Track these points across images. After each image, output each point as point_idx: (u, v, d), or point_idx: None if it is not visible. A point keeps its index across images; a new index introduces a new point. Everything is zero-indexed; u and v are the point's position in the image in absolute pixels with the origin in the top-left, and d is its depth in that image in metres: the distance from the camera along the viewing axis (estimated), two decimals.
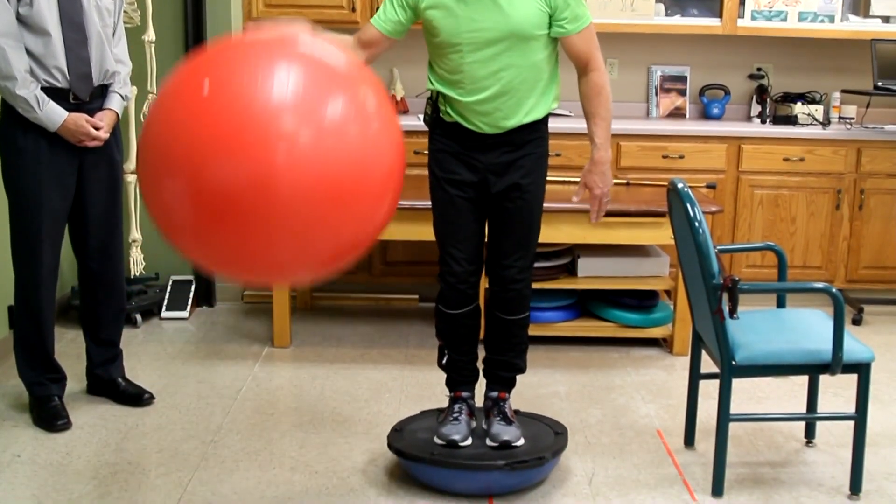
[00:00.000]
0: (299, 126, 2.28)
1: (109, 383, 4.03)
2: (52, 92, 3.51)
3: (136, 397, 4.00)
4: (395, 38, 3.25)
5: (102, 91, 3.70)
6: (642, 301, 4.81)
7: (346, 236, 2.46)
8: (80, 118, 3.56)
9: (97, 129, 3.62)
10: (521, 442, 3.29)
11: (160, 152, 2.34)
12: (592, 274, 4.75)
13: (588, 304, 4.90)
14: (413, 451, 3.27)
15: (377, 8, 5.28)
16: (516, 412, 3.46)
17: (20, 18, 3.42)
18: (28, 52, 3.45)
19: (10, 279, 4.31)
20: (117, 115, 3.76)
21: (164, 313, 5.16)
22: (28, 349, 3.78)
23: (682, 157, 5.34)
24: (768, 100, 5.74)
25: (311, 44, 2.53)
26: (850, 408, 3.34)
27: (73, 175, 3.66)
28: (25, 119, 3.50)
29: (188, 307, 5.19)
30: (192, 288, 5.29)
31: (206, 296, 5.40)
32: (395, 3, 3.19)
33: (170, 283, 5.31)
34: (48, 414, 3.75)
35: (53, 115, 3.50)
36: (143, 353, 4.45)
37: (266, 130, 2.25)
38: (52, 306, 3.79)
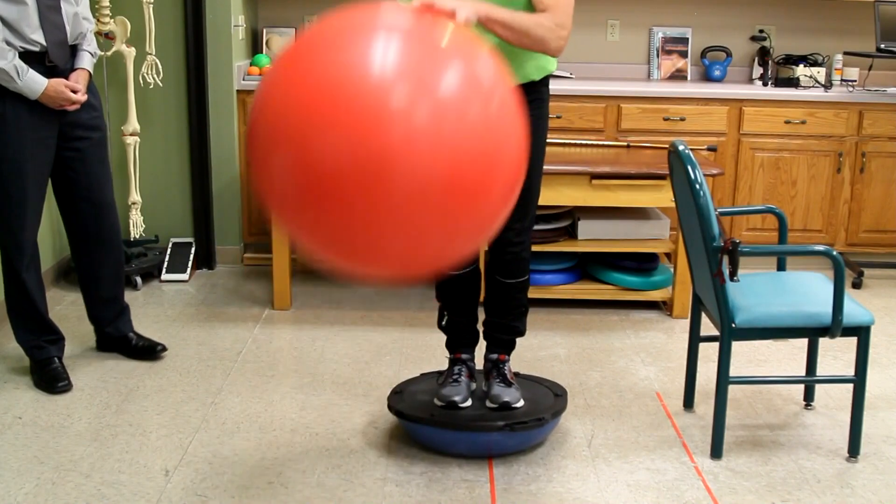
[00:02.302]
0: (416, 102, 2.08)
1: (121, 339, 4.07)
2: (27, 57, 3.46)
3: (150, 350, 4.06)
4: None
5: (72, 51, 3.66)
6: (642, 264, 4.81)
7: (461, 231, 2.26)
8: (60, 84, 3.54)
9: (75, 91, 3.60)
10: (521, 403, 3.30)
11: (269, 124, 2.18)
12: (592, 237, 4.74)
13: (588, 266, 4.90)
14: (413, 413, 3.28)
15: None
16: (516, 374, 3.47)
17: None
18: (2, 21, 3.40)
19: None
20: (90, 74, 3.72)
21: (164, 276, 5.16)
22: (21, 314, 3.79)
23: (682, 119, 5.32)
24: (770, 62, 5.71)
25: (416, 17, 2.34)
26: (850, 371, 3.35)
27: (54, 138, 3.64)
28: (2, 87, 3.46)
29: (188, 270, 5.19)
30: (192, 250, 5.28)
31: (206, 258, 5.40)
32: None
33: (170, 245, 5.31)
34: (48, 376, 3.76)
35: (34, 84, 3.47)
36: (144, 315, 4.45)
37: (379, 105, 2.06)
38: (37, 269, 3.78)
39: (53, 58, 3.53)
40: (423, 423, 3.25)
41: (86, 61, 3.70)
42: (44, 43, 3.49)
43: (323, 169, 2.07)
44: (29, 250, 3.70)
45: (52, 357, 3.82)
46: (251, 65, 5.46)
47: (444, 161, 2.09)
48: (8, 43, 3.42)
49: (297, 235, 2.32)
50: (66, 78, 3.60)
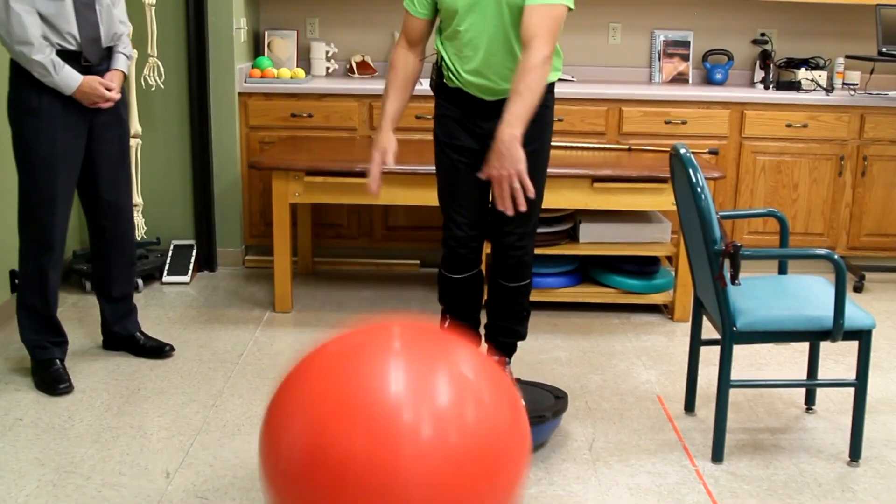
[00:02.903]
0: (420, 421, 2.09)
1: (128, 339, 4.11)
2: (62, 55, 3.55)
3: (158, 350, 4.10)
4: (434, 19, 3.31)
5: (108, 52, 3.74)
6: (643, 267, 4.81)
7: None
8: (94, 81, 3.61)
9: (109, 90, 3.67)
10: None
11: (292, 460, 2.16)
12: (594, 240, 4.74)
13: (589, 269, 4.90)
14: None
15: None
16: (517, 380, 3.47)
17: None
18: (41, 17, 3.48)
19: (6, 244, 4.33)
20: (124, 75, 3.82)
21: (166, 278, 5.16)
22: (33, 312, 3.80)
23: (684, 122, 5.32)
24: (772, 65, 5.71)
25: (408, 334, 2.40)
26: (851, 375, 3.35)
27: (85, 136, 3.72)
28: (39, 81, 3.54)
29: (189, 272, 5.19)
30: (194, 253, 5.28)
31: (207, 261, 5.40)
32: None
33: (171, 247, 5.31)
34: (50, 378, 3.76)
35: (69, 79, 3.55)
36: (145, 317, 4.44)
37: (389, 429, 2.07)
38: (59, 268, 3.83)
39: (86, 54, 3.60)
40: None
41: (121, 63, 3.79)
42: (78, 38, 3.55)
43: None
44: (57, 247, 3.75)
45: (55, 359, 3.82)
46: (253, 67, 5.46)
47: (449, 469, 2.09)
48: (46, 39, 3.50)
49: None
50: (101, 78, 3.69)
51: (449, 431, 2.10)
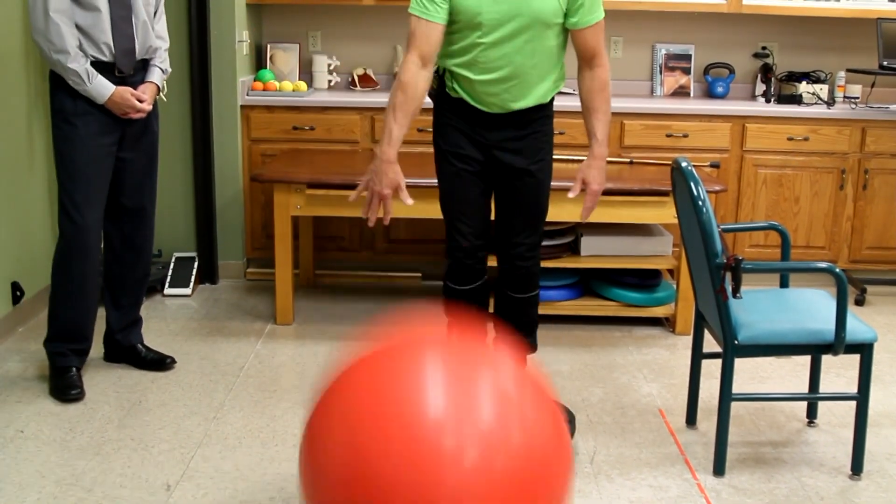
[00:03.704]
0: (462, 440, 2.05)
1: (129, 349, 4.13)
2: (98, 66, 3.64)
3: (159, 362, 4.11)
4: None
5: (144, 65, 3.83)
6: (645, 280, 4.81)
7: None
8: (126, 91, 3.70)
9: (140, 101, 3.75)
10: None
11: (328, 463, 2.16)
12: (595, 253, 4.74)
13: (591, 282, 4.90)
14: None
15: None
16: None
17: None
18: (77, 27, 3.58)
19: (9, 256, 4.34)
20: (158, 88, 3.89)
21: (167, 290, 5.17)
22: (63, 319, 3.85)
23: (685, 135, 5.33)
24: (773, 79, 5.72)
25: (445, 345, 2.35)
26: (852, 388, 3.34)
27: (116, 144, 3.79)
28: (74, 90, 3.63)
29: (191, 284, 5.19)
30: (195, 265, 5.29)
31: (209, 273, 5.40)
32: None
33: (173, 259, 5.32)
34: (63, 384, 3.81)
35: (102, 88, 3.64)
36: (146, 329, 4.44)
37: (432, 453, 2.03)
38: (97, 273, 3.88)
39: (120, 65, 3.68)
40: None
41: (156, 76, 3.87)
42: (113, 49, 3.64)
43: None
44: (93, 252, 3.81)
45: (72, 367, 3.87)
46: (255, 80, 5.47)
47: (494, 493, 2.05)
48: (81, 49, 3.59)
49: None
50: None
51: (493, 455, 2.05)
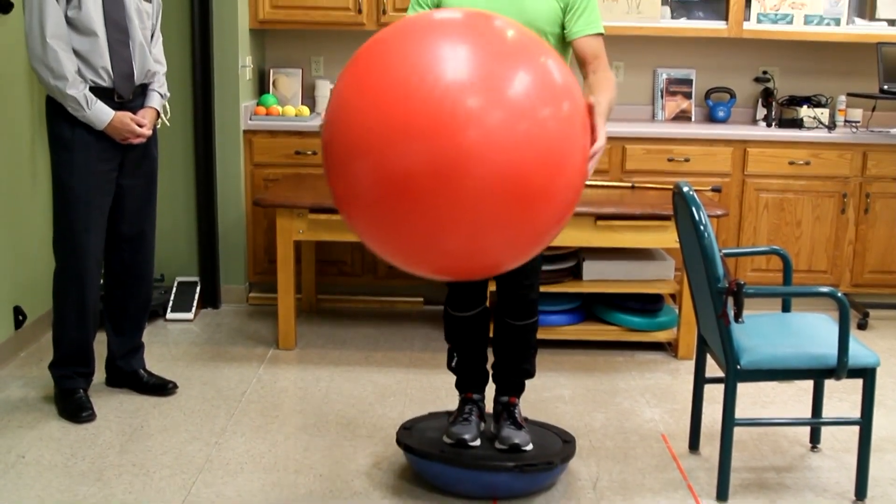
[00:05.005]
0: (488, 106, 2.23)
1: (131, 375, 4.12)
2: (97, 91, 3.65)
3: (161, 387, 4.11)
4: None
5: (143, 90, 3.84)
6: (647, 305, 4.81)
7: (523, 234, 2.41)
8: (126, 116, 3.71)
9: (140, 126, 3.76)
10: (530, 447, 3.28)
11: (349, 133, 2.33)
12: (597, 277, 4.74)
13: (593, 307, 4.89)
14: (422, 448, 3.27)
15: (384, 11, 5.34)
16: (525, 419, 3.46)
17: (68, 20, 3.57)
18: (75, 53, 3.59)
19: (11, 280, 4.34)
20: (158, 113, 3.90)
21: (170, 315, 5.17)
22: (67, 342, 3.86)
23: (687, 160, 5.34)
24: (774, 103, 5.73)
25: (487, 20, 2.50)
26: (856, 412, 3.33)
27: (116, 170, 3.80)
28: (72, 116, 3.63)
29: (193, 309, 5.19)
30: (198, 289, 5.29)
31: (211, 297, 5.40)
32: (423, 2, 3.18)
33: (175, 284, 5.32)
34: (73, 406, 3.82)
35: (101, 113, 3.64)
36: (148, 354, 4.44)
37: (454, 110, 2.20)
38: (97, 298, 3.89)
39: (119, 90, 3.69)
40: (432, 460, 3.24)
41: (155, 101, 3.88)
42: (111, 74, 3.65)
43: (402, 173, 2.23)
44: (92, 277, 3.81)
45: (78, 388, 3.88)
46: (258, 104, 5.49)
47: (514, 162, 2.23)
48: (80, 74, 3.60)
49: (369, 233, 2.46)
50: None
51: (518, 120, 2.24)
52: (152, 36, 3.89)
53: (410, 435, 3.37)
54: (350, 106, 2.35)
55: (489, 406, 3.48)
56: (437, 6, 3.17)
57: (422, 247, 2.39)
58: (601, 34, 3.19)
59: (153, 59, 3.86)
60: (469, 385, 3.46)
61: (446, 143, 2.19)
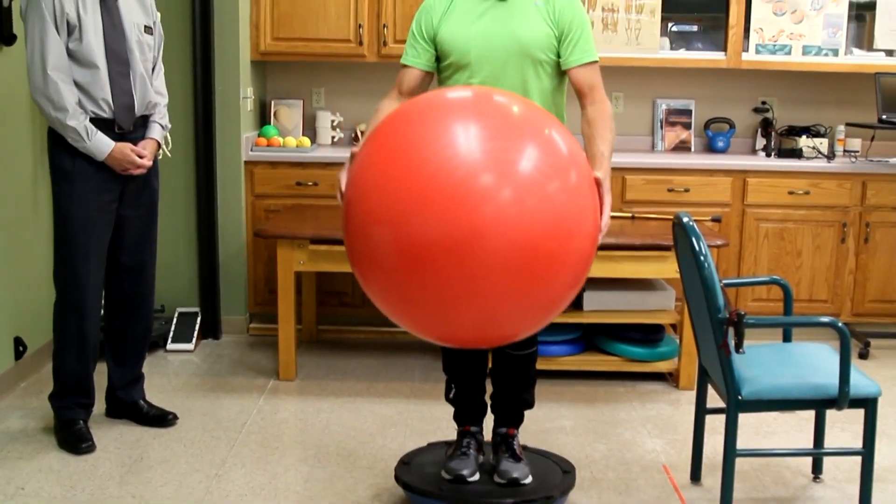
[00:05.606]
0: (500, 183, 2.35)
1: (131, 406, 4.11)
2: (97, 123, 3.67)
3: (161, 419, 4.10)
4: (433, 72, 3.29)
5: (144, 121, 3.85)
6: (648, 335, 4.80)
7: (535, 303, 2.50)
8: (126, 147, 3.72)
9: (141, 157, 3.77)
10: (529, 479, 3.27)
11: (369, 202, 2.45)
12: (598, 308, 4.74)
13: (594, 337, 4.89)
14: (421, 485, 3.26)
15: (384, 43, 5.37)
16: (524, 448, 3.45)
17: (70, 52, 3.59)
18: (76, 85, 3.61)
19: (12, 310, 4.34)
20: (158, 144, 3.92)
21: (170, 345, 5.16)
22: (66, 373, 3.85)
23: (687, 190, 5.35)
24: (773, 133, 5.76)
25: (492, 97, 2.64)
26: (858, 443, 3.32)
27: (116, 201, 3.81)
28: (73, 147, 3.65)
29: (194, 339, 5.19)
30: (198, 320, 5.29)
31: (211, 328, 5.40)
32: (418, 37, 3.23)
33: (175, 315, 5.32)
34: (73, 437, 3.81)
35: (101, 144, 3.66)
36: (148, 385, 4.43)
37: (469, 188, 2.33)
38: (97, 329, 3.88)
39: (119, 121, 3.71)
40: (431, 497, 3.23)
41: (156, 132, 3.90)
42: (112, 105, 3.67)
43: (419, 243, 2.35)
44: (92, 307, 3.81)
45: (78, 419, 3.87)
46: (259, 135, 5.51)
47: (526, 235, 2.34)
48: (81, 106, 3.62)
49: (382, 297, 2.57)
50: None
51: (526, 195, 2.35)
52: (154, 68, 3.91)
53: (409, 470, 3.36)
54: (376, 170, 2.47)
55: (488, 434, 3.47)
56: (433, 41, 3.20)
57: (435, 316, 2.49)
58: (596, 61, 3.21)
59: (155, 90, 3.88)
60: (467, 417, 3.45)
61: (462, 218, 2.31)
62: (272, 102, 5.79)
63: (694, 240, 3.15)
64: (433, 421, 4.19)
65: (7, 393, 4.36)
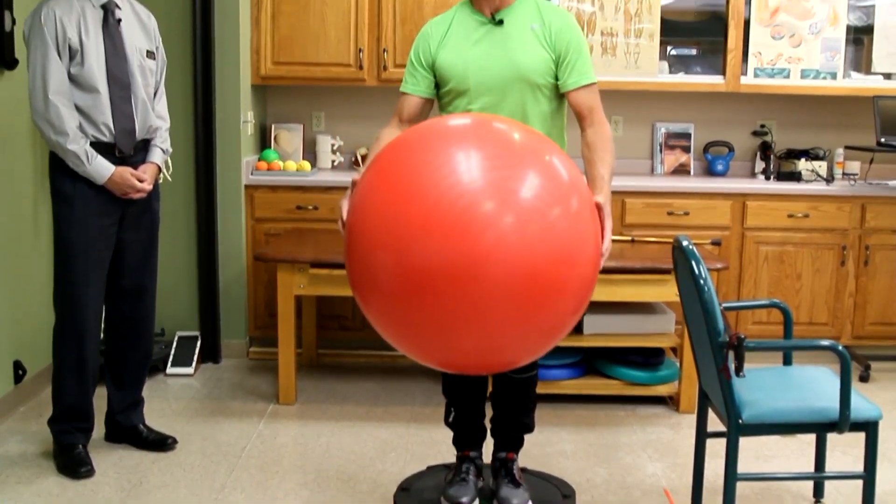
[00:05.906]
0: (502, 212, 2.37)
1: (130, 430, 4.11)
2: (98, 147, 3.68)
3: (160, 443, 4.09)
4: (433, 98, 3.31)
5: (144, 145, 3.86)
6: (648, 358, 4.79)
7: (537, 329, 2.52)
8: (126, 171, 3.73)
9: (141, 181, 3.78)
10: None
11: (371, 229, 2.48)
12: (598, 331, 4.73)
13: (594, 361, 4.88)
14: None
15: (384, 67, 5.39)
16: (523, 470, 3.44)
17: (71, 76, 3.61)
18: (77, 109, 3.63)
19: (11, 334, 4.34)
20: (159, 168, 3.93)
21: (170, 369, 5.15)
22: (66, 398, 3.85)
23: (686, 213, 5.36)
24: (772, 156, 5.77)
25: (496, 124, 2.67)
26: (859, 466, 3.32)
27: (116, 224, 3.82)
28: (73, 171, 3.66)
29: (193, 363, 5.18)
30: (198, 344, 5.28)
31: (211, 352, 5.39)
32: (417, 65, 3.25)
33: (175, 338, 5.31)
34: (72, 462, 3.80)
35: (101, 168, 3.67)
36: (148, 409, 4.43)
37: (471, 215, 2.36)
38: (96, 353, 3.88)
39: (120, 145, 3.72)
40: None
41: (157, 156, 3.91)
42: (112, 129, 3.68)
43: (422, 270, 2.36)
44: (91, 332, 3.81)
45: (77, 444, 3.86)
46: (259, 159, 5.53)
47: (528, 262, 2.36)
48: (81, 130, 3.63)
49: (383, 322, 2.60)
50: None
51: (528, 223, 2.37)
52: (156, 92, 3.92)
53: (408, 496, 3.35)
54: (378, 197, 2.50)
55: (487, 458, 3.46)
56: (432, 67, 3.21)
57: (436, 342, 2.50)
58: (594, 83, 3.22)
59: (156, 114, 3.90)
60: (466, 442, 3.44)
61: (464, 246, 2.33)
62: (272, 126, 5.81)
63: (694, 263, 3.15)
64: (433, 445, 4.18)
65: (6, 417, 4.36)
